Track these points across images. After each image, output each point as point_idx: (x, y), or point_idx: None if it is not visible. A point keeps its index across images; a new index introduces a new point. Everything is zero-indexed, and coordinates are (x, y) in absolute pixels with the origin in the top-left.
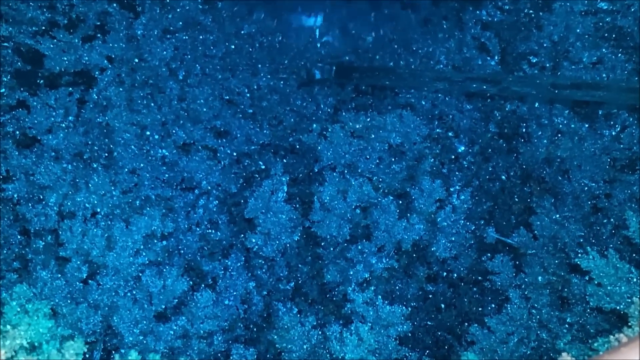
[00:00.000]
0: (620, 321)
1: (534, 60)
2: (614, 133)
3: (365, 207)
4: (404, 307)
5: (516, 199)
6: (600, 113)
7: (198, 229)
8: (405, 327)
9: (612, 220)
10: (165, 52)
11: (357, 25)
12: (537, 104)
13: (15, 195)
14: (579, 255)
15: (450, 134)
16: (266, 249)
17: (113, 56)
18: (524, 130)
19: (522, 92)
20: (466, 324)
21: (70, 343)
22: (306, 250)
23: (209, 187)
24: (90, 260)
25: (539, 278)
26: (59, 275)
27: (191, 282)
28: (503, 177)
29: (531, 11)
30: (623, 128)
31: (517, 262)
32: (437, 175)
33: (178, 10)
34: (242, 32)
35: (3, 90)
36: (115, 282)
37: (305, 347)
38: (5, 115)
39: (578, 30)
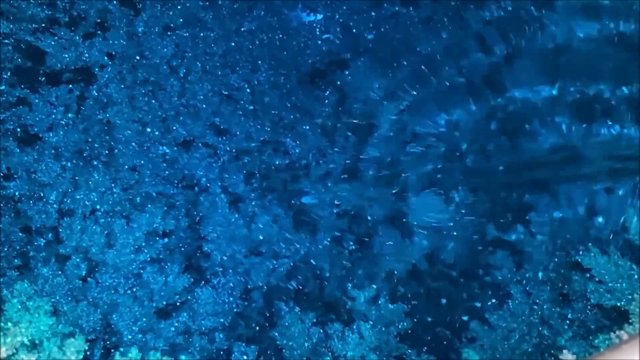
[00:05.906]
0: (621, 318)
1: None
2: (613, 132)
3: None
4: (404, 305)
5: (516, 197)
6: (600, 112)
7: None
8: (405, 324)
9: (613, 217)
10: (165, 50)
11: (357, 23)
12: (538, 104)
13: (17, 193)
14: (580, 252)
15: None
16: None
17: (114, 53)
18: (526, 128)
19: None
20: (466, 320)
21: (71, 340)
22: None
23: (209, 185)
24: (89, 257)
25: (540, 274)
26: (60, 273)
27: (192, 279)
28: (504, 174)
29: (533, 9)
30: (622, 127)
31: (518, 259)
32: (439, 171)
33: (179, 7)
34: (243, 29)
35: (3, 87)
36: (115, 280)
37: (306, 344)
38: (5, 113)
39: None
